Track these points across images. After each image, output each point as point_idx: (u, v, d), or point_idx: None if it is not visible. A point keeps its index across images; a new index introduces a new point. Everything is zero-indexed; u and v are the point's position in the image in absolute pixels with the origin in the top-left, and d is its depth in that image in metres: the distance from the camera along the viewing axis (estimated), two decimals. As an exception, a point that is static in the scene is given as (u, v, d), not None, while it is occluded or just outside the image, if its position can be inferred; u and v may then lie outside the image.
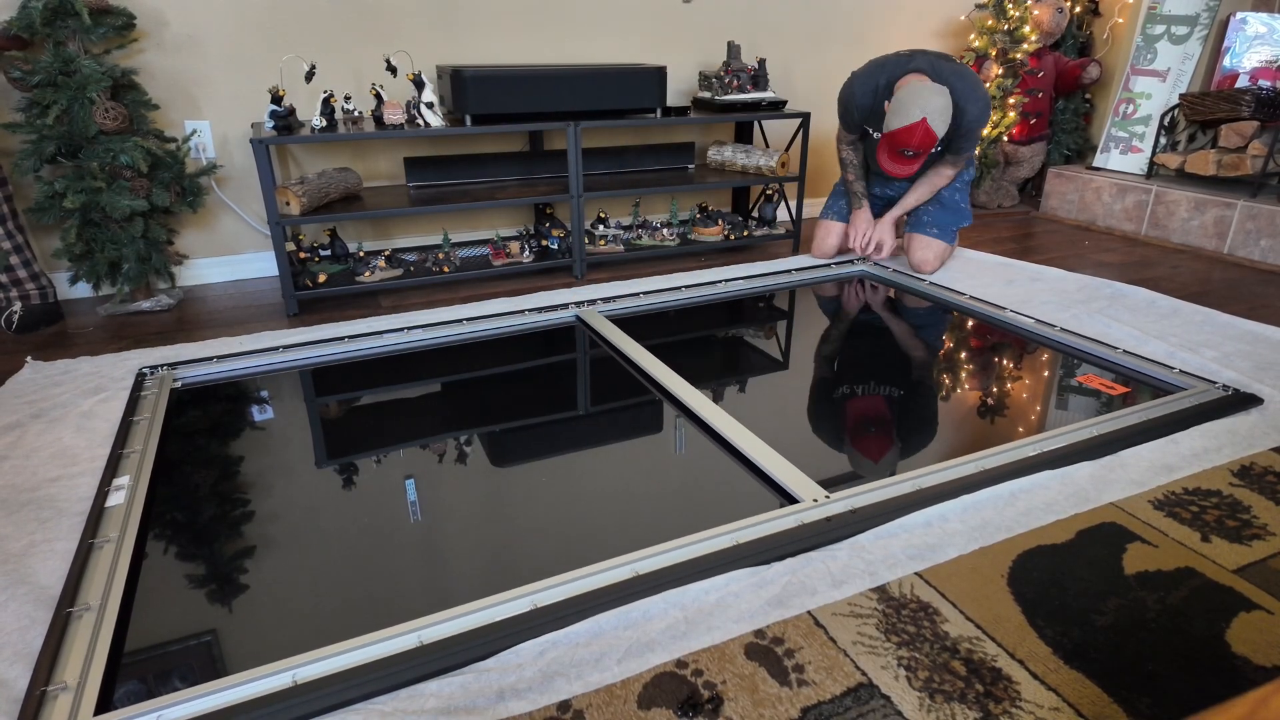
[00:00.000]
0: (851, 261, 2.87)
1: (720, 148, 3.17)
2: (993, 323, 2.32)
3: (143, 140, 2.23)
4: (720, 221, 3.07)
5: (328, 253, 2.69)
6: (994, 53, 3.45)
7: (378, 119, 2.46)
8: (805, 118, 2.95)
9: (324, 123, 2.36)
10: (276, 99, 2.32)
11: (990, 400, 1.85)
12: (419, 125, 2.46)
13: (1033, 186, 4.02)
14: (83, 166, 2.17)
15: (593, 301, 2.43)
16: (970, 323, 2.34)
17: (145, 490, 1.44)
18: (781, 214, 3.40)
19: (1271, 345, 2.10)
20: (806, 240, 3.24)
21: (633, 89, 2.70)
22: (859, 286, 2.69)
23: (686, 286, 2.58)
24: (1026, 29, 3.41)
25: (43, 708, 0.97)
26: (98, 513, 1.36)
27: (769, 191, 3.26)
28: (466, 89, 2.47)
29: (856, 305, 2.51)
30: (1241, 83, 3.27)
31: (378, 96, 2.43)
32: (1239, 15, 3.30)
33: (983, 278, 2.70)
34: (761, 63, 3.00)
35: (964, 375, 1.99)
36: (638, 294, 2.51)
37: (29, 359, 2.03)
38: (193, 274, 2.70)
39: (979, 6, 3.53)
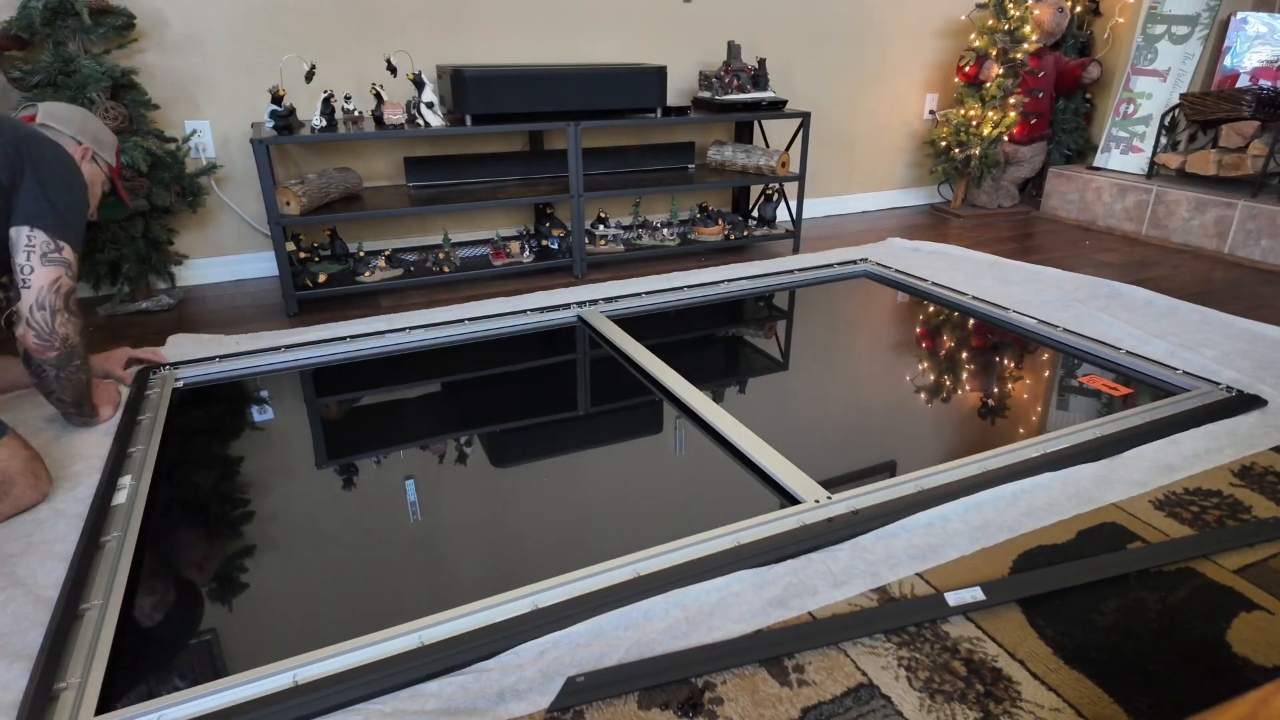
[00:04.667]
0: (854, 261, 2.87)
1: (720, 147, 3.17)
2: (996, 324, 2.32)
3: (143, 140, 2.23)
4: (720, 221, 3.07)
5: (328, 253, 2.69)
6: (994, 52, 3.45)
7: (378, 119, 2.46)
8: (805, 117, 2.95)
9: (324, 123, 2.36)
10: (276, 99, 2.32)
11: (993, 401, 1.85)
12: (419, 125, 2.45)
13: (1033, 186, 4.02)
14: (83, 166, 2.17)
15: (594, 301, 2.43)
16: (974, 323, 2.34)
17: (147, 489, 1.44)
18: (781, 214, 3.39)
19: (1271, 344, 2.10)
20: (807, 240, 3.24)
21: (633, 89, 2.70)
22: (861, 287, 2.68)
23: (688, 286, 2.58)
24: (1027, 29, 3.41)
25: (44, 707, 0.97)
26: (100, 512, 1.36)
27: (769, 191, 3.26)
28: (467, 89, 2.47)
29: (858, 306, 2.51)
30: (1242, 82, 3.27)
31: (378, 96, 2.43)
32: (1239, 15, 3.30)
33: (981, 278, 2.70)
34: (761, 63, 3.00)
35: (967, 376, 1.99)
36: (639, 294, 2.51)
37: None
38: (193, 274, 2.70)
39: (979, 6, 3.53)
